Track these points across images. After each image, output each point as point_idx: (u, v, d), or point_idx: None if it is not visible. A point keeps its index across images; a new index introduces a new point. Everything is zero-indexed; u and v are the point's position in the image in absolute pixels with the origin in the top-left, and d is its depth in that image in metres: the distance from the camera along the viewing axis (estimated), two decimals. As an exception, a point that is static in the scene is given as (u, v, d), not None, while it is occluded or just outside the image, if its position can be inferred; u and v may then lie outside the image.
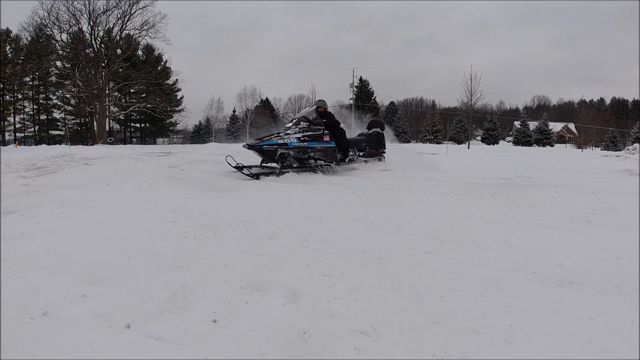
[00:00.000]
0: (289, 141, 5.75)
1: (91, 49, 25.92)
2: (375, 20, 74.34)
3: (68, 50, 26.33)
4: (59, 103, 31.56)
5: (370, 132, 7.52)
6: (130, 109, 29.49)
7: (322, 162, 6.09)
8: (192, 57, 62.40)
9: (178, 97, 33.81)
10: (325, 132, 6.13)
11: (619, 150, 24.65)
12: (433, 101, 47.49)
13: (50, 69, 27.78)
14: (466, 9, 73.69)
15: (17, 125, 30.31)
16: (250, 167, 5.84)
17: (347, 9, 72.79)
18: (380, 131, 7.51)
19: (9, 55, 27.89)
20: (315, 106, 6.44)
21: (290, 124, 6.13)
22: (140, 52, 31.60)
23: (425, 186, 4.83)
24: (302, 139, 5.83)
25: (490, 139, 36.07)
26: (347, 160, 6.66)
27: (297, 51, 71.79)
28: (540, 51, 71.50)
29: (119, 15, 26.11)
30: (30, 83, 29.89)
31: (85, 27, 25.67)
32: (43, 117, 31.74)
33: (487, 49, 76.44)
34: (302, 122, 6.02)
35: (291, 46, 71.67)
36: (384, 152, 7.51)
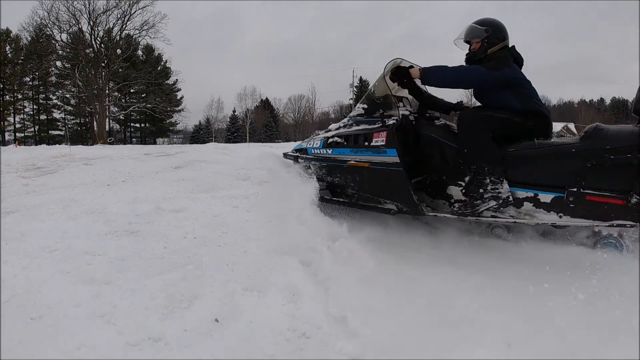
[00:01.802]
0: (310, 146, 2.64)
1: (91, 49, 25.92)
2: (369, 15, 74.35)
3: (68, 50, 26.32)
4: (59, 103, 31.56)
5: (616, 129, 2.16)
6: (130, 109, 29.48)
7: (368, 202, 2.45)
8: (188, 54, 62.01)
9: (178, 97, 33.81)
10: (389, 124, 2.28)
11: (619, 150, 24.63)
12: (433, 101, 47.50)
13: (50, 69, 27.78)
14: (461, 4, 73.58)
15: (17, 125, 30.32)
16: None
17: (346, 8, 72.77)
18: None
19: (9, 55, 27.88)
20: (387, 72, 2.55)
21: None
22: (140, 52, 31.60)
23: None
24: (330, 141, 2.51)
25: (490, 139, 36.10)
26: (469, 207, 2.12)
27: (296, 50, 71.73)
28: (539, 50, 71.52)
29: (118, 15, 26.16)
30: (30, 83, 29.89)
31: (85, 27, 25.71)
32: (43, 117, 31.74)
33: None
34: (361, 105, 2.57)
35: (291, 45, 71.71)
36: None
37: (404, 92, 2.53)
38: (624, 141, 1.87)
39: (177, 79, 32.82)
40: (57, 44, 26.50)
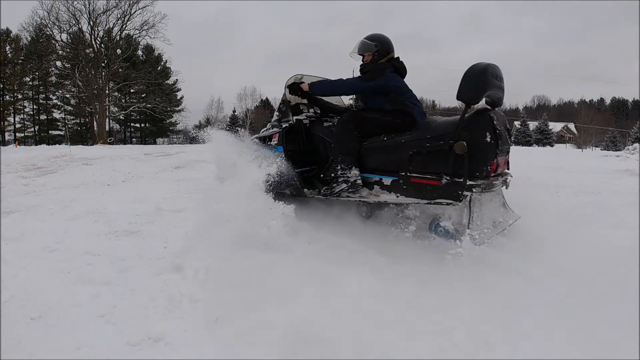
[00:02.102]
0: None
1: (91, 49, 25.87)
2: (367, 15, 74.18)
3: (68, 50, 26.26)
4: (59, 103, 31.48)
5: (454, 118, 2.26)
6: (130, 109, 29.44)
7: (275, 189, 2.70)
8: (188, 55, 61.69)
9: (178, 97, 33.78)
10: (285, 126, 2.84)
11: (619, 150, 24.64)
12: (433, 101, 47.47)
13: (50, 69, 27.69)
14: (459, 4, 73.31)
15: (17, 125, 30.23)
16: None
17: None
18: (489, 113, 2.09)
19: (9, 55, 27.84)
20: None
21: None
22: (140, 52, 31.55)
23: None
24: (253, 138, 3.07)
25: (490, 139, 35.99)
26: (329, 189, 2.50)
27: (296, 50, 71.62)
28: (539, 50, 71.38)
29: (118, 15, 26.06)
30: (30, 83, 29.83)
31: (85, 27, 25.62)
32: (43, 117, 31.69)
33: (483, 44, 76.36)
34: (276, 112, 3.10)
35: (291, 45, 71.57)
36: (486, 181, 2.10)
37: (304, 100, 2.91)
38: (439, 130, 2.14)
39: (177, 79, 32.78)
40: (57, 44, 26.43)
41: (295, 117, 2.77)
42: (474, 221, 2.06)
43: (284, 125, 2.78)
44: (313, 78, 2.86)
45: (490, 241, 2.04)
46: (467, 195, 2.02)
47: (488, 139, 2.00)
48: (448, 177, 2.05)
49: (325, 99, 2.97)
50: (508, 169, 2.29)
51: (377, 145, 2.38)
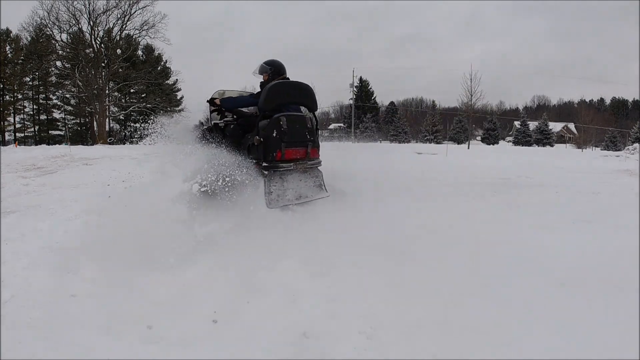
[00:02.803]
0: None
1: (91, 49, 25.89)
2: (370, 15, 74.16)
3: (68, 50, 26.28)
4: (59, 103, 31.43)
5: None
6: (130, 109, 29.45)
7: None
8: (188, 55, 61.47)
9: (178, 97, 33.74)
10: (204, 127, 3.56)
11: (619, 150, 24.62)
12: (433, 101, 47.40)
13: (50, 69, 27.69)
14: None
15: (17, 125, 30.18)
16: None
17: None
18: (279, 116, 3.03)
19: (9, 55, 27.83)
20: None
21: None
22: (140, 52, 31.53)
23: (425, 186, 4.82)
24: None
25: (490, 139, 36.03)
26: None
27: (296, 50, 71.61)
28: (539, 47, 71.33)
29: (118, 15, 26.09)
30: (30, 83, 29.79)
31: (85, 27, 25.64)
32: (43, 117, 31.65)
33: (483, 44, 76.39)
34: None
35: (291, 45, 71.56)
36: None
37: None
38: (257, 129, 2.90)
39: (177, 79, 32.74)
40: (57, 44, 26.44)
41: (213, 122, 3.38)
42: (269, 191, 2.79)
43: (204, 128, 3.39)
44: (234, 93, 3.58)
45: (284, 207, 2.78)
46: (266, 173, 2.81)
47: (274, 135, 2.83)
48: (256, 160, 2.89)
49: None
50: (309, 158, 3.01)
51: (244, 140, 3.09)
